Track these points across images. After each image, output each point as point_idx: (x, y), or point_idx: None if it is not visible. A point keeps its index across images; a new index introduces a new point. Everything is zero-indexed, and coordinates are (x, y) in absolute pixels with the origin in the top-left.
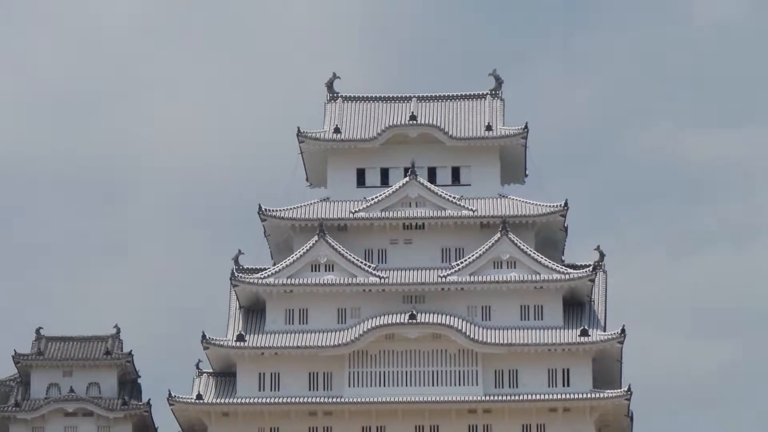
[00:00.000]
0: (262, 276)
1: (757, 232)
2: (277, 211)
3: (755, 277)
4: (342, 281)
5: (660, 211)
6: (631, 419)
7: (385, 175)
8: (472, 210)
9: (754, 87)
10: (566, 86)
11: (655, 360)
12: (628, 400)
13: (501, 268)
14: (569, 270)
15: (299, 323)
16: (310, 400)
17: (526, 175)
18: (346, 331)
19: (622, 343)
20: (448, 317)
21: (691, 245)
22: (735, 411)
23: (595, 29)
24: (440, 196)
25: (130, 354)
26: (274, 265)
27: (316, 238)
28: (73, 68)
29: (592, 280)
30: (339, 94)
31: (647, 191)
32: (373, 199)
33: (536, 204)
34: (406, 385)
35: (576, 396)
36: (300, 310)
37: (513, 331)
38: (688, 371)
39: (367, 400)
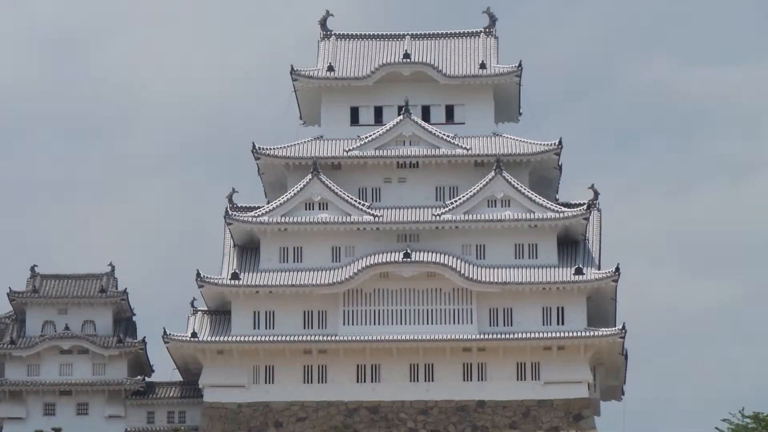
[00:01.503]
0: (256, 214)
1: (755, 168)
2: (270, 149)
3: (753, 213)
4: (336, 220)
5: (656, 148)
6: (626, 357)
7: (378, 113)
8: (466, 148)
9: (753, 22)
10: (561, 23)
11: (650, 298)
12: (623, 338)
13: (495, 206)
14: (564, 208)
15: (293, 261)
16: (304, 338)
17: (520, 114)
18: (340, 269)
19: (616, 281)
20: (442, 256)
21: (688, 182)
22: (732, 348)
23: None
24: (434, 134)
25: (124, 292)
26: (268, 203)
27: (309, 176)
28: (70, 4)
29: (587, 219)
30: (332, 32)
31: (643, 128)
32: (366, 137)
33: (530, 142)
34: (401, 323)
35: (570, 334)
36: (294, 248)
37: (507, 269)
38: (685, 309)
39: (362, 338)
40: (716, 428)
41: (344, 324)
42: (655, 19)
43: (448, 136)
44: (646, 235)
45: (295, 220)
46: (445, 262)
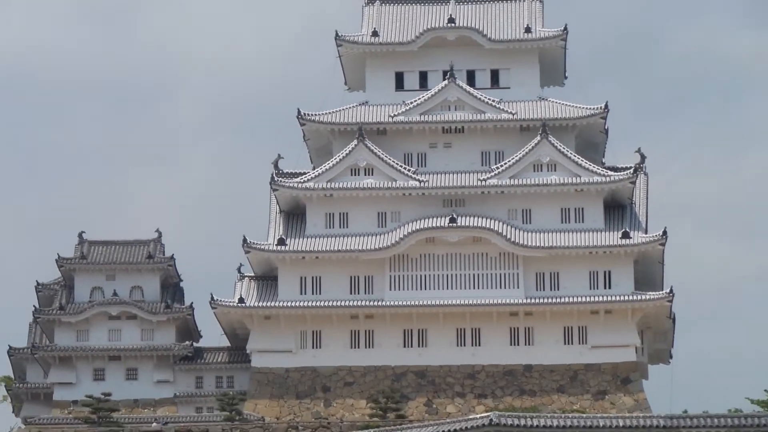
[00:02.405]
0: (301, 180)
1: None
2: (316, 115)
3: None
4: (382, 185)
5: (704, 111)
6: (673, 321)
7: (423, 78)
8: (511, 113)
9: None
10: None
11: (698, 261)
12: (670, 301)
13: (541, 171)
14: (610, 172)
15: (339, 227)
16: (351, 303)
17: (565, 78)
18: (386, 234)
19: (663, 245)
20: (488, 220)
21: (736, 145)
22: None
23: None
24: (479, 99)
25: (172, 258)
26: (314, 169)
27: (355, 142)
28: None
29: (633, 183)
30: None
31: (691, 91)
32: (411, 102)
33: (576, 106)
34: (447, 288)
35: (618, 298)
36: (340, 214)
37: (554, 234)
38: (733, 272)
39: (409, 303)
40: (765, 390)
41: (391, 289)
42: None
43: (493, 101)
44: (694, 199)
45: (340, 185)
46: (491, 227)
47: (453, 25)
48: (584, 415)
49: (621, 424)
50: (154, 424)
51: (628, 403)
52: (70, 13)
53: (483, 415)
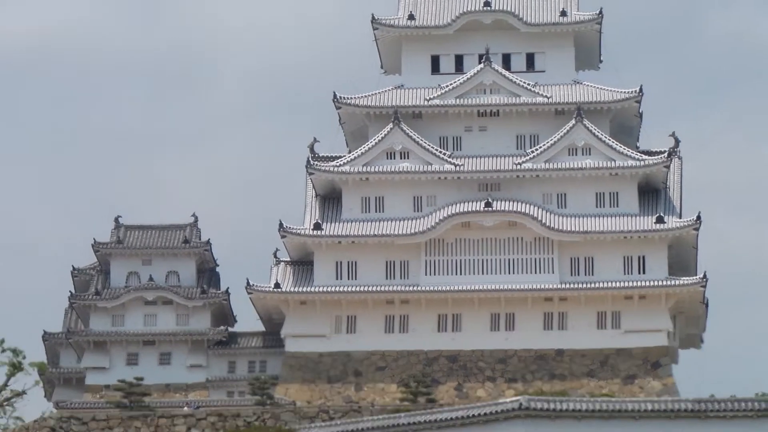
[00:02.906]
0: (337, 164)
1: None
2: (351, 98)
3: None
4: (417, 169)
5: (738, 95)
6: (707, 306)
7: (459, 61)
8: (546, 96)
9: None
10: None
11: (732, 247)
12: (704, 287)
13: (576, 155)
14: (644, 156)
15: (375, 211)
16: (386, 288)
17: (600, 61)
18: (421, 219)
19: (697, 229)
20: (523, 205)
21: None
22: None
23: None
24: (515, 82)
25: (208, 243)
26: (350, 153)
27: (391, 125)
28: None
29: (668, 167)
30: None
31: (725, 76)
32: (447, 86)
33: (611, 90)
34: (482, 273)
35: (652, 283)
36: (376, 198)
37: (588, 218)
38: (766, 256)
39: (444, 288)
40: None
41: (426, 274)
42: None
43: (528, 84)
44: (729, 184)
45: (376, 169)
46: (526, 212)
47: (489, 8)
48: (613, 399)
49: (649, 408)
50: (186, 408)
51: (657, 387)
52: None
53: (512, 399)
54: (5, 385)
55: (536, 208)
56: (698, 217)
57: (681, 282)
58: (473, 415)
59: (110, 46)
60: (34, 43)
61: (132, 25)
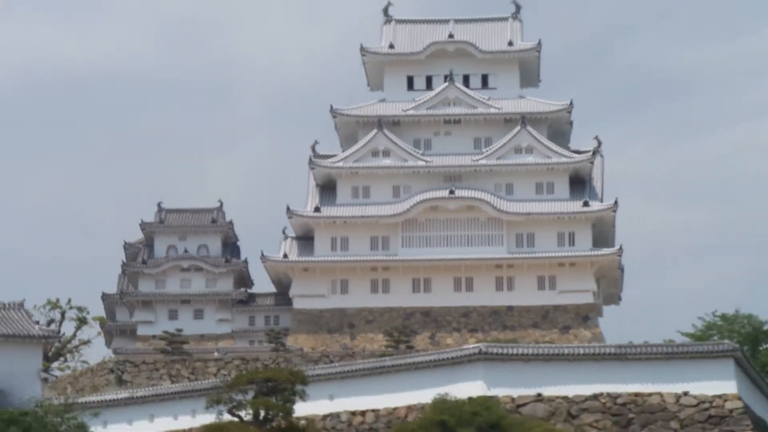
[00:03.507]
0: (333, 161)
1: (733, 122)
2: (345, 110)
3: (725, 157)
4: (396, 165)
5: (649, 107)
6: (623, 271)
7: (429, 81)
8: (497, 108)
9: (727, 9)
10: (573, 8)
11: (644, 224)
12: (620, 256)
13: (521, 153)
14: (574, 155)
15: (362, 198)
16: (372, 258)
17: (539, 80)
18: (399, 203)
19: (615, 212)
20: (479, 192)
21: (674, 134)
22: (707, 264)
23: None
24: (472, 97)
25: (230, 222)
26: (343, 152)
27: (375, 131)
28: (185, 0)
29: (592, 162)
30: (392, 18)
31: (638, 91)
32: (420, 100)
33: (548, 103)
34: (447, 246)
35: (579, 254)
36: (363, 187)
37: (530, 203)
38: (671, 231)
39: (417, 258)
40: (693, 325)
41: (402, 247)
42: (650, 5)
43: (483, 99)
44: (642, 176)
45: (364, 165)
46: (482, 198)
47: (452, 39)
48: (553, 345)
49: (581, 352)
50: (216, 353)
51: (587, 335)
52: (156, 26)
53: (474, 345)
54: (74, 335)
55: (489, 195)
56: (615, 202)
57: (602, 252)
58: (443, 359)
59: (155, 69)
60: (97, 67)
61: (172, 54)
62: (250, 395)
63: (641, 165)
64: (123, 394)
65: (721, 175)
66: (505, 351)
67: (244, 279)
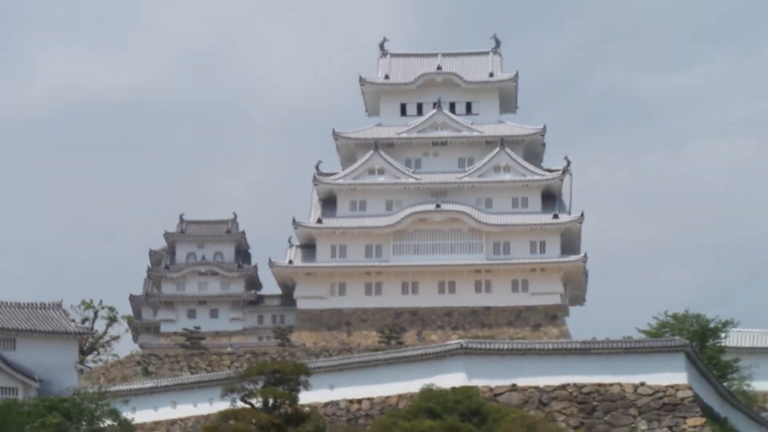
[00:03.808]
0: (334, 178)
1: (687, 143)
2: (345, 133)
3: (681, 174)
4: (389, 182)
5: (613, 131)
6: (587, 276)
7: (420, 107)
8: (479, 132)
9: (687, 42)
10: (546, 44)
11: (605, 234)
12: (585, 262)
13: (499, 172)
14: (546, 173)
15: (359, 211)
16: (366, 264)
17: (517, 107)
18: (391, 216)
19: (581, 223)
20: (462, 206)
21: (635, 153)
22: (662, 269)
23: (562, 3)
24: (457, 122)
25: (243, 232)
26: (343, 170)
27: (372, 151)
28: (203, 24)
29: (562, 180)
30: (388, 52)
31: (604, 115)
32: (411, 124)
33: (524, 127)
34: (433, 253)
35: (549, 260)
36: (360, 201)
37: (506, 215)
38: (630, 242)
39: (406, 264)
40: (648, 323)
41: (393, 254)
42: (616, 38)
43: (467, 124)
44: (605, 191)
45: (361, 182)
46: (464, 211)
47: (440, 71)
48: (525, 341)
49: (550, 347)
50: (229, 348)
51: (555, 332)
52: (175, 57)
53: (456, 341)
54: (105, 332)
55: (471, 208)
56: (581, 215)
57: (569, 259)
58: (429, 353)
59: (175, 95)
60: (123, 93)
61: (190, 82)
62: (259, 385)
63: (606, 181)
64: (149, 383)
65: (676, 190)
66: (483, 346)
67: (254, 282)
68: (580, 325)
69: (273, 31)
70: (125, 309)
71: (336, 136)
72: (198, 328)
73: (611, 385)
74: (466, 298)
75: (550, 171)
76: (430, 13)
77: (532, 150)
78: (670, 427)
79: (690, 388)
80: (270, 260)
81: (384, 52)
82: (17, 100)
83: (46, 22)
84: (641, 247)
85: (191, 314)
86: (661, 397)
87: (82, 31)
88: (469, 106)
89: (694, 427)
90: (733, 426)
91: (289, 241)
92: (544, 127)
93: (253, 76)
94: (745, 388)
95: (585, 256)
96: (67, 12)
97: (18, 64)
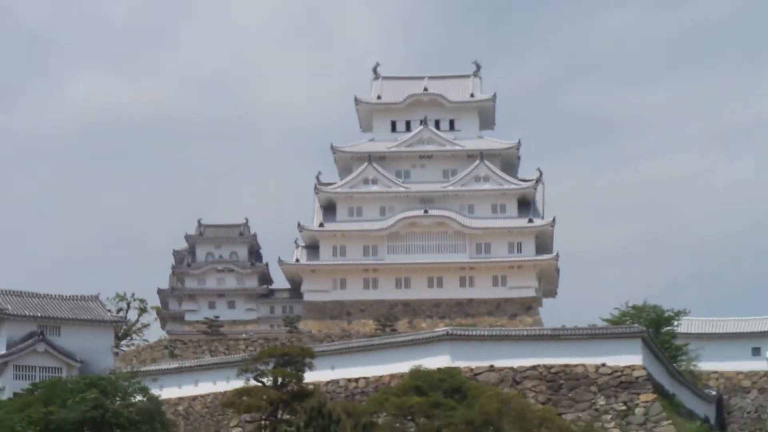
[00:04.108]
0: (333, 187)
1: (648, 157)
2: (341, 147)
3: (641, 184)
4: (382, 190)
5: (580, 146)
6: (558, 272)
7: (408, 124)
8: (461, 146)
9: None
10: (520, 67)
11: (574, 237)
12: (556, 260)
13: (479, 181)
14: (521, 182)
15: (356, 216)
16: (364, 262)
17: (494, 124)
18: (385, 220)
19: (553, 226)
20: (447, 212)
21: (601, 165)
22: (623, 267)
23: (536, 30)
24: (442, 137)
25: (254, 235)
26: (341, 180)
27: (366, 163)
28: (221, 53)
29: (535, 189)
30: (380, 75)
31: (574, 131)
32: (400, 139)
33: (501, 142)
34: (422, 252)
35: (525, 259)
36: (357, 207)
37: (487, 220)
38: (595, 242)
39: (399, 262)
40: (610, 313)
41: (388, 253)
42: (586, 61)
43: (450, 139)
44: (574, 198)
45: (357, 190)
46: (449, 216)
47: (426, 92)
48: (503, 329)
49: (524, 334)
50: (244, 334)
51: (530, 321)
52: (195, 82)
53: (442, 329)
54: (137, 320)
55: (455, 213)
56: (553, 219)
57: (542, 258)
58: (418, 339)
59: (193, 114)
60: (148, 112)
61: (208, 101)
62: (270, 366)
63: (575, 189)
64: (174, 364)
65: (637, 198)
66: (466, 333)
67: (265, 278)
68: (552, 314)
69: (278, 57)
70: (154, 301)
71: (334, 150)
72: (217, 317)
73: (576, 366)
74: (451, 291)
75: (524, 181)
76: (417, 39)
77: (509, 162)
78: (625, 402)
79: (644, 369)
80: (279, 259)
81: (377, 75)
82: (54, 117)
83: (81, 48)
84: (606, 248)
85: (211, 305)
86: (618, 376)
87: (112, 56)
88: (452, 123)
89: (646, 402)
90: (680, 401)
91: (296, 242)
92: (519, 142)
93: (261, 97)
94: (692, 368)
95: (557, 255)
96: (101, 39)
97: (55, 85)
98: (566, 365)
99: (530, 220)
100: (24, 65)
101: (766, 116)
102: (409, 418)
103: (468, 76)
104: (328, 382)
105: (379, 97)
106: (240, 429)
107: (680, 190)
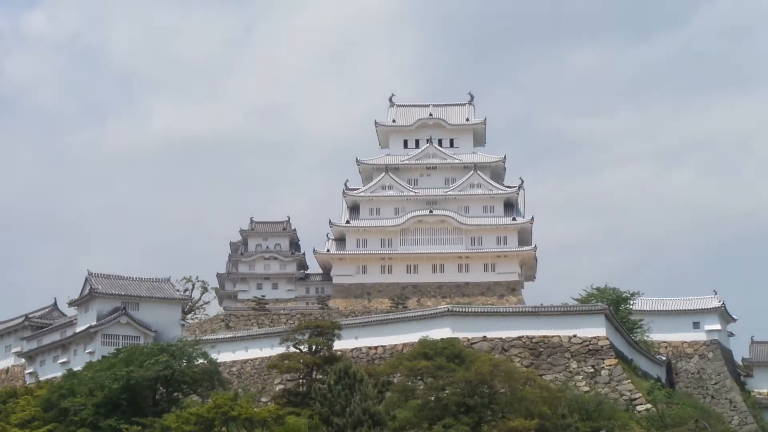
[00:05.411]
0: (357, 192)
1: (611, 168)
2: (365, 160)
3: (605, 190)
4: (396, 194)
5: (554, 159)
6: (536, 261)
7: (417, 143)
8: (459, 160)
9: (613, 92)
10: (506, 98)
11: (549, 232)
12: (535, 251)
13: (473, 188)
14: (506, 188)
15: (376, 215)
16: (381, 252)
17: (485, 142)
18: (398, 219)
19: (532, 224)
20: (448, 212)
21: (573, 175)
22: (591, 257)
23: (518, 68)
24: (444, 153)
25: (294, 230)
26: (364, 186)
27: (384, 173)
28: (267, 90)
29: (518, 194)
30: (395, 103)
31: (551, 147)
32: (411, 154)
33: (490, 156)
34: (428, 245)
35: (510, 250)
36: (376, 208)
37: (479, 218)
38: (567, 237)
39: (409, 252)
40: (579, 294)
41: (401, 245)
42: (562, 89)
43: (450, 154)
44: (550, 201)
45: (377, 195)
46: (449, 215)
47: (431, 117)
48: (493, 306)
49: (510, 311)
50: (284, 310)
51: (514, 300)
52: (248, 107)
53: (444, 306)
54: (199, 299)
55: (454, 213)
56: (532, 218)
57: (524, 249)
58: (425, 314)
59: (248, 134)
60: (210, 133)
61: (260, 125)
62: (306, 336)
63: (550, 194)
64: (229, 334)
65: (599, 201)
66: (463, 310)
67: (302, 265)
68: (532, 295)
69: (316, 89)
70: (214, 282)
71: (358, 162)
72: (264, 296)
73: (552, 336)
74: (451, 276)
75: (509, 187)
76: (425, 75)
77: (497, 172)
78: (593, 366)
79: (607, 339)
80: (314, 249)
81: (392, 104)
82: (138, 138)
83: (159, 82)
84: (575, 241)
85: (259, 287)
86: (587, 345)
87: (185, 88)
88: (452, 142)
89: (610, 365)
90: (637, 365)
91: (327, 236)
92: (505, 157)
93: (301, 121)
94: (645, 338)
95: (535, 247)
96: (176, 74)
97: (138, 112)
98: (545, 336)
99: (514, 219)
100: (116, 95)
101: (702, 136)
102: (419, 378)
103: (464, 104)
104: (352, 349)
105: (394, 121)
106: (282, 386)
107: (634, 194)
